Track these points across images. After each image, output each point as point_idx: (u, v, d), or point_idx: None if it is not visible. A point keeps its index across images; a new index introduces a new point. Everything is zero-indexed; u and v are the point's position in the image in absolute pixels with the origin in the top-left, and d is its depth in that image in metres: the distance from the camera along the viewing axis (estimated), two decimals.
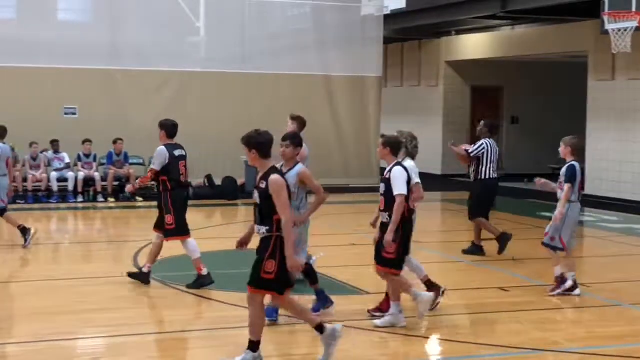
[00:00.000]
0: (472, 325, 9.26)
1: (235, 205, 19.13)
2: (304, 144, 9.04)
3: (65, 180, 19.28)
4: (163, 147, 10.40)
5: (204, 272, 10.29)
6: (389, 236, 8.44)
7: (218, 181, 20.19)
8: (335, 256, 12.24)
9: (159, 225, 10.41)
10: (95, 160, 19.83)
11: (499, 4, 19.98)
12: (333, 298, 9.25)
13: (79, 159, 19.72)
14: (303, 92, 21.94)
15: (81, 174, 19.42)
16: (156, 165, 10.35)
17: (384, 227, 8.67)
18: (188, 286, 10.25)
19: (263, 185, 7.20)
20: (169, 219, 10.24)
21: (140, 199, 19.29)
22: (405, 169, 8.69)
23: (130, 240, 14.66)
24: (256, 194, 7.29)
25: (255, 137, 7.28)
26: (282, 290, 7.27)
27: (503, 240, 12.89)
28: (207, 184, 20.16)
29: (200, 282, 10.25)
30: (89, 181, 19.52)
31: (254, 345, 7.25)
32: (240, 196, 19.41)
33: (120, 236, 15.72)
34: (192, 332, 8.85)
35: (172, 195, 10.30)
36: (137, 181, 11.82)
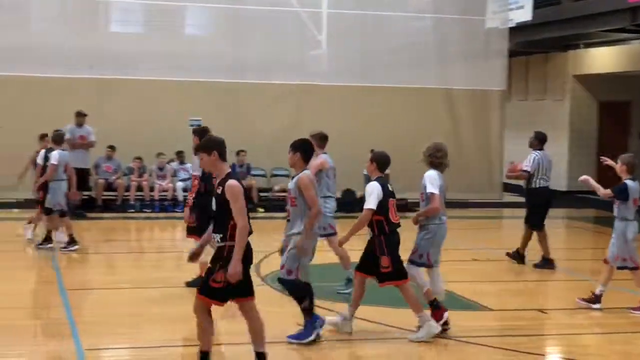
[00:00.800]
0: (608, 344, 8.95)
1: (354, 217, 19.08)
2: (325, 156, 9.83)
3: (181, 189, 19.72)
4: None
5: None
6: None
7: (337, 194, 20.22)
8: (457, 271, 12.04)
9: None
10: None
11: (629, 17, 19.36)
12: (454, 314, 9.08)
13: None
14: (423, 105, 21.79)
15: None
16: None
17: (370, 242, 8.72)
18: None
19: (219, 191, 7.04)
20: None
21: (262, 209, 19.54)
22: (383, 185, 8.69)
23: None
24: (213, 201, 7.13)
25: (215, 138, 7.24)
26: (226, 299, 7.12)
27: (546, 263, 12.92)
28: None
29: None
30: None
31: (204, 356, 7.14)
32: (359, 209, 19.37)
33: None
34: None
35: None
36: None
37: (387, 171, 8.99)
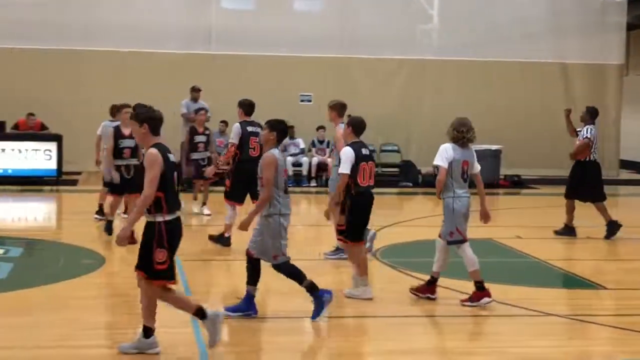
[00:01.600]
0: None
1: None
2: (342, 125, 9.99)
3: (300, 165, 19.88)
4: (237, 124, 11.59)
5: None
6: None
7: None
8: (572, 249, 11.78)
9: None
10: (328, 146, 20.27)
11: None
12: (571, 292, 8.89)
13: (313, 144, 20.27)
14: (539, 79, 21.33)
15: (315, 160, 19.95)
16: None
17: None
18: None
19: (142, 160, 6.91)
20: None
21: None
22: (357, 149, 8.96)
23: None
24: None
25: (147, 111, 6.95)
26: (174, 277, 6.91)
27: (613, 226, 12.98)
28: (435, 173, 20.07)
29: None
30: (322, 166, 20.01)
31: (147, 331, 6.96)
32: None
33: None
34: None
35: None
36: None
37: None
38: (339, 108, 10.95)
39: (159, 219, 6.78)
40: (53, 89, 19.80)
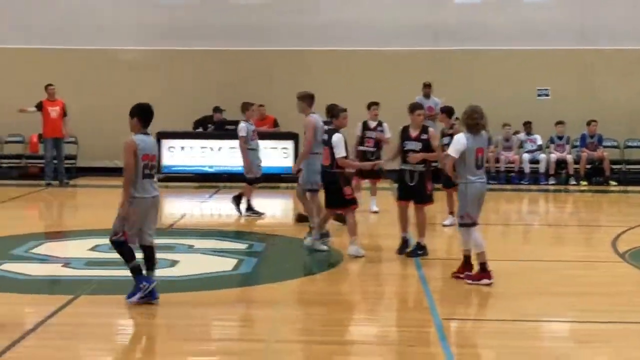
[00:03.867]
0: None
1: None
2: (315, 115, 11.46)
3: (537, 162, 19.25)
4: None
5: None
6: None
7: None
8: None
9: None
10: (567, 142, 19.54)
11: None
12: None
13: (552, 140, 19.58)
14: None
15: (553, 156, 19.25)
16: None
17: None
18: None
19: None
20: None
21: (614, 182, 18.72)
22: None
23: (602, 225, 14.21)
24: None
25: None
26: None
27: None
28: None
29: None
30: (561, 163, 19.29)
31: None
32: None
33: (592, 220, 15.26)
34: None
35: None
36: None
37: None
38: (307, 99, 11.65)
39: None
40: (282, 87, 20.33)
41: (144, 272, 8.29)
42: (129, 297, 8.22)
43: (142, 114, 8.19)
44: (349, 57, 20.40)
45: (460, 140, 9.19)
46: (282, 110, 18.71)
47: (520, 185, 18.96)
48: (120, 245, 8.19)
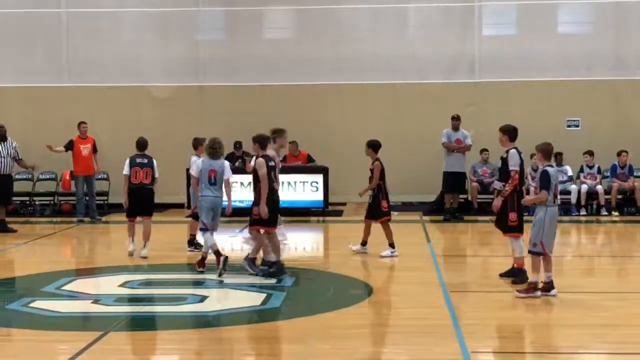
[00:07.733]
0: None
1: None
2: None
3: (568, 192, 19.08)
4: None
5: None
6: None
7: None
8: None
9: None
10: (598, 172, 19.39)
11: None
12: None
13: (582, 170, 19.44)
14: None
15: (584, 187, 19.09)
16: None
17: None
18: None
19: None
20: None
21: None
22: None
23: (635, 255, 14.02)
24: None
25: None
26: None
27: None
28: None
29: None
30: (592, 194, 19.12)
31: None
32: None
33: (624, 251, 15.08)
34: None
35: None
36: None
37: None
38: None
39: None
40: (317, 121, 20.41)
41: None
42: None
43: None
44: (393, 90, 20.51)
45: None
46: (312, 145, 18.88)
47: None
48: None
